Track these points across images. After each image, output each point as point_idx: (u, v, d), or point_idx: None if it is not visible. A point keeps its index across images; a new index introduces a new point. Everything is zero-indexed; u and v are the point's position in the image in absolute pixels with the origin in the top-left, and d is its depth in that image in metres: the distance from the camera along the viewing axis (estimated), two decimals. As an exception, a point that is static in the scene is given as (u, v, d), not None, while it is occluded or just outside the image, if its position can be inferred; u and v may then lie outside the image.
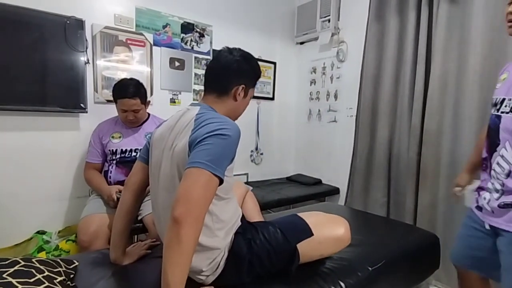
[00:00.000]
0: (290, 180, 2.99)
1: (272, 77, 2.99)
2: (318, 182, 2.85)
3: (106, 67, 2.04)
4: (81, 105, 1.88)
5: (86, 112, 1.91)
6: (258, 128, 2.93)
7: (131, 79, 1.72)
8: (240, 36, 2.69)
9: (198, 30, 2.44)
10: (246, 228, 1.03)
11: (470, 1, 1.79)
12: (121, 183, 1.69)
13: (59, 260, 0.92)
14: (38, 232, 1.79)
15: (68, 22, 1.77)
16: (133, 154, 1.76)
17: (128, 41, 2.12)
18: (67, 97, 1.84)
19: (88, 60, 1.89)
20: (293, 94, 3.17)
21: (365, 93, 2.38)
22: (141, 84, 1.72)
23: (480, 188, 1.15)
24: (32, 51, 1.70)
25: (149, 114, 1.87)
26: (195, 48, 2.43)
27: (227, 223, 0.96)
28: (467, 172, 1.29)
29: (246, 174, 2.89)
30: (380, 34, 2.30)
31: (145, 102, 1.75)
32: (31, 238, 1.75)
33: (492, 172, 1.07)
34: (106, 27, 2.00)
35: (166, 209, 0.94)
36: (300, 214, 1.13)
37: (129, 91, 1.64)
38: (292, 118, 3.19)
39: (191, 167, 0.77)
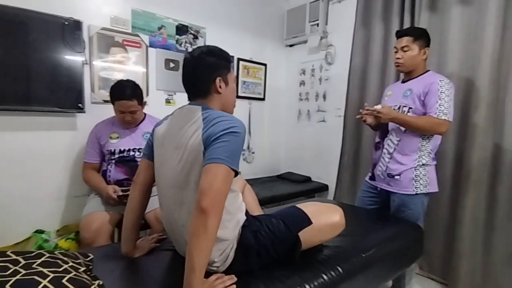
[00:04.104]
0: (281, 178, 3.09)
1: (263, 78, 3.08)
2: (308, 179, 2.97)
3: (103, 67, 2.06)
4: (79, 105, 1.90)
5: (84, 112, 1.93)
6: (250, 128, 3.01)
7: (128, 80, 1.75)
8: (232, 38, 2.76)
9: (192, 32, 2.50)
10: (251, 221, 1.11)
11: (447, 10, 1.95)
12: (120, 182, 1.74)
13: (76, 253, 0.98)
14: (36, 231, 1.80)
15: (66, 23, 1.79)
16: (132, 153, 1.80)
17: (124, 42, 2.15)
18: (65, 97, 1.86)
19: (86, 60, 1.91)
20: (283, 95, 3.27)
21: (352, 95, 2.51)
22: (138, 86, 1.76)
23: (374, 165, 1.76)
24: (31, 52, 1.71)
25: (145, 114, 1.91)
26: (190, 49, 2.48)
27: (234, 215, 1.04)
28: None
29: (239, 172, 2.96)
30: (366, 39, 2.43)
31: (141, 103, 1.79)
32: (29, 237, 1.76)
33: (384, 150, 1.68)
34: (103, 28, 2.03)
35: (178, 204, 1.01)
36: (298, 205, 1.22)
37: (126, 93, 1.68)
38: (283, 118, 3.30)
39: (211, 163, 0.85)
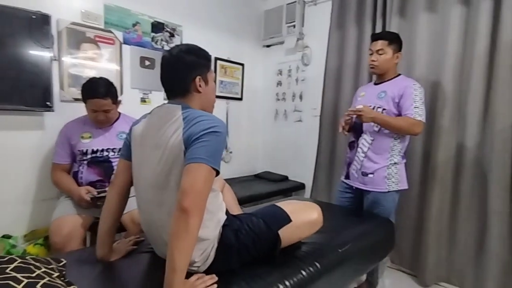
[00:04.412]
0: (259, 177, 3.12)
1: (240, 78, 3.08)
2: (285, 178, 3.01)
3: (73, 64, 1.97)
4: (47, 103, 1.80)
5: (53, 111, 1.84)
6: (228, 128, 3.01)
7: (101, 78, 1.69)
8: (210, 37, 2.74)
9: (168, 29, 2.45)
10: (231, 220, 1.11)
11: (415, 16, 2.06)
12: (93, 183, 1.67)
13: (49, 258, 0.93)
14: (3, 236, 1.69)
15: (33, 17, 1.70)
16: (105, 153, 1.74)
17: (96, 38, 2.07)
18: (31, 95, 1.75)
19: (55, 56, 1.82)
20: (261, 95, 3.30)
21: (328, 95, 2.58)
22: (112, 84, 1.71)
23: (349, 164, 1.82)
24: (-6, 46, 1.60)
25: (119, 113, 1.85)
26: (166, 47, 2.43)
27: (215, 214, 1.04)
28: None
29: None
30: (340, 41, 2.51)
31: (116, 102, 1.74)
32: (-5, 243, 1.65)
33: (358, 149, 1.74)
34: (72, 23, 1.94)
35: (157, 205, 0.99)
36: (277, 204, 1.24)
37: (99, 91, 1.62)
38: (260, 118, 3.32)
39: (193, 162, 0.84)
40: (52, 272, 0.83)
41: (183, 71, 1.03)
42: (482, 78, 1.81)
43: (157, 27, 2.39)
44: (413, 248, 2.11)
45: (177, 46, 1.07)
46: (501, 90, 1.74)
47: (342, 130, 1.76)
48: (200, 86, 1.04)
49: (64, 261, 0.99)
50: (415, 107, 1.58)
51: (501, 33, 1.73)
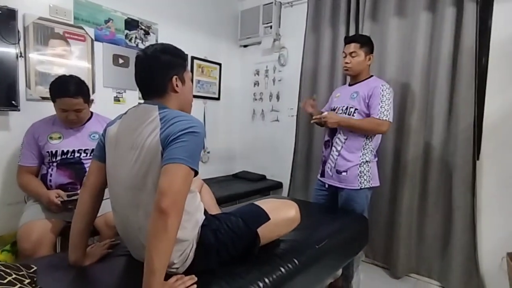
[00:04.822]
0: (237, 177, 3.12)
1: (217, 78, 3.07)
2: (263, 177, 3.04)
3: (40, 61, 1.88)
4: (12, 102, 1.70)
5: (18, 110, 1.74)
6: (205, 127, 2.98)
7: (71, 76, 1.62)
8: (186, 36, 2.71)
9: (143, 27, 2.40)
10: (210, 220, 1.11)
11: (386, 21, 2.16)
12: (64, 186, 1.60)
13: (18, 265, 0.89)
14: (-34, 244, 1.57)
15: (-3, 11, 1.60)
16: (77, 155, 1.67)
17: (66, 35, 1.98)
18: (-5, 93, 1.65)
19: (21, 53, 1.72)
20: (238, 95, 3.30)
21: (304, 95, 2.63)
22: (83, 82, 1.64)
23: (324, 162, 1.88)
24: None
25: (92, 113, 1.79)
26: (140, 45, 2.38)
27: (193, 215, 1.04)
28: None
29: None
30: (316, 43, 2.57)
31: (88, 101, 1.67)
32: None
33: (333, 148, 1.80)
34: (40, 18, 1.85)
35: (134, 207, 0.97)
36: (256, 202, 1.25)
37: (70, 90, 1.55)
38: (237, 117, 3.32)
39: (171, 163, 0.83)
40: (23, 279, 0.80)
41: (159, 71, 1.01)
42: (446, 80, 1.93)
43: (131, 24, 2.32)
44: (385, 243, 2.21)
45: (152, 45, 1.05)
46: (462, 92, 1.87)
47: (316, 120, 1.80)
48: (177, 86, 1.03)
49: (35, 268, 0.95)
50: (381, 107, 1.65)
51: (463, 38, 1.86)
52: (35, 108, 1.81)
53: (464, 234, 1.89)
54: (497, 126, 1.84)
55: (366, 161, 1.74)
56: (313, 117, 1.80)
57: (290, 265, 1.15)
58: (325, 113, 1.76)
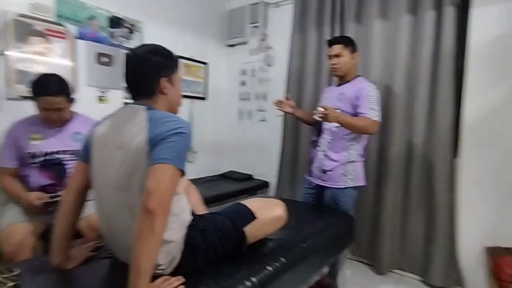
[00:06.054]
0: (224, 177, 3.11)
1: (204, 77, 3.05)
2: (250, 177, 3.04)
3: (20, 59, 1.81)
4: (-10, 101, 1.64)
5: (-2, 110, 1.68)
6: (192, 127, 2.95)
7: (53, 74, 1.58)
8: (172, 35, 2.68)
9: (127, 25, 2.35)
10: (197, 220, 1.10)
11: (370, 23, 2.20)
12: (45, 187, 1.56)
13: (1, 268, 0.86)
14: None
15: (-27, 6, 1.54)
16: (58, 156, 1.62)
17: (47, 32, 1.92)
18: (-30, 92, 1.59)
19: (1, 51, 1.66)
20: (225, 94, 3.29)
21: (290, 95, 2.65)
22: (65, 80, 1.60)
23: (311, 161, 1.91)
24: None
25: (74, 113, 1.74)
26: (125, 44, 2.33)
27: (179, 216, 1.03)
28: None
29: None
30: (302, 44, 2.59)
31: (70, 100, 1.63)
32: None
33: (319, 148, 1.84)
34: (20, 15, 1.79)
35: (120, 208, 0.96)
36: (243, 202, 1.25)
37: (51, 88, 1.51)
38: (224, 117, 3.31)
39: (158, 163, 0.83)
40: (6, 282, 0.77)
41: (149, 72, 1.01)
42: (427, 82, 1.99)
43: (116, 22, 2.28)
44: (370, 240, 2.26)
45: (143, 45, 1.05)
46: (442, 93, 1.93)
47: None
48: (165, 87, 1.03)
49: (18, 271, 0.93)
50: (371, 108, 1.67)
51: (443, 40, 1.92)
52: (15, 108, 1.75)
53: (444, 230, 1.96)
54: (476, 126, 1.91)
55: (352, 161, 1.77)
56: (315, 113, 1.67)
57: (277, 264, 1.16)
58: (328, 106, 1.65)
